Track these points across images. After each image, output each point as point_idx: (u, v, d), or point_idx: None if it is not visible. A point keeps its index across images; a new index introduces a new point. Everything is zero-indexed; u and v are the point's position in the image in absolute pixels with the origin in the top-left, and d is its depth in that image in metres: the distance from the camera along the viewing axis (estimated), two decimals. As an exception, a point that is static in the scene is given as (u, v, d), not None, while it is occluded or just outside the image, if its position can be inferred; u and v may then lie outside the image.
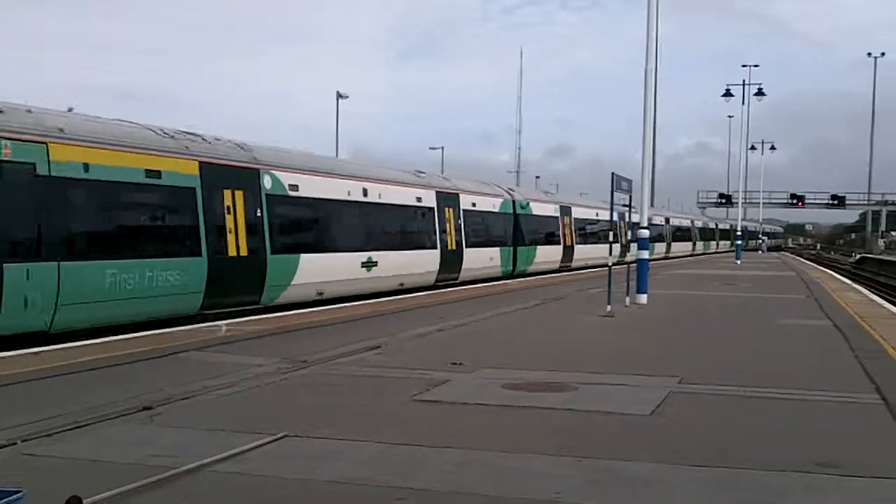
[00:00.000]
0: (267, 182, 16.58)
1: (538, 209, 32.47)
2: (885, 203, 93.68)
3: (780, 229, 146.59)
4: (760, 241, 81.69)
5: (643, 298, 18.42)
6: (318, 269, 17.75)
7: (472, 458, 5.85)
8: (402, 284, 21.55)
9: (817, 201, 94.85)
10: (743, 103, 52.99)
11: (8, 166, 11.34)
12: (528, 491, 5.13)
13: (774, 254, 77.28)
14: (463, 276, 25.36)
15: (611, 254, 17.77)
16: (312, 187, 17.93)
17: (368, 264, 19.86)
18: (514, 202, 30.38)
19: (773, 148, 75.74)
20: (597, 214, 38.25)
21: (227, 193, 15.55)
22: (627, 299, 17.85)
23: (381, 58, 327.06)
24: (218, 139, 16.42)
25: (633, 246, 40.41)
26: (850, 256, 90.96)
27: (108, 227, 13.19)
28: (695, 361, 10.47)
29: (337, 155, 36.55)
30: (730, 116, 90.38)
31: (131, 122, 14.55)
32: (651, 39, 19.31)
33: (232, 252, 15.43)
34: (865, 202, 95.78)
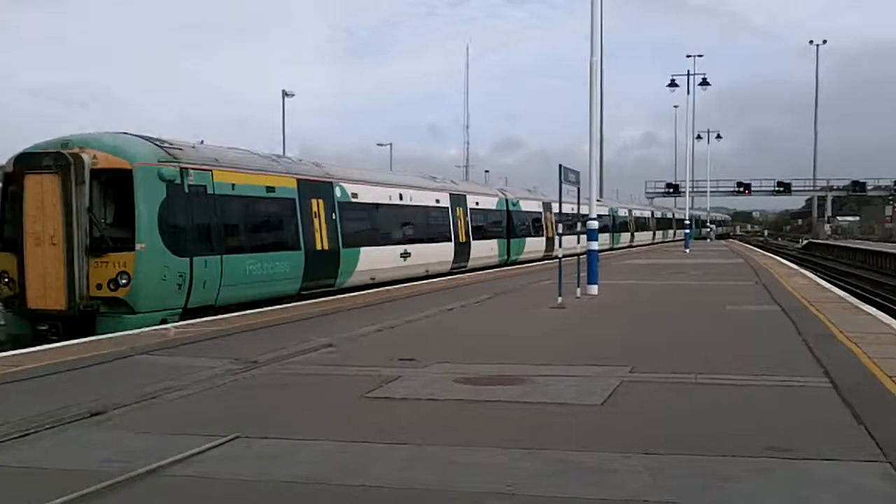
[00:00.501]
0: (338, 192, 20.99)
1: (525, 206, 36.76)
2: (830, 189, 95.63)
3: (727, 217, 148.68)
4: (708, 229, 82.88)
5: (594, 289, 18.59)
6: (372, 260, 22.13)
7: (425, 454, 5.86)
8: (427, 271, 25.73)
9: (764, 188, 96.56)
10: (688, 93, 53.80)
11: (191, 188, 15.74)
12: (481, 484, 5.16)
13: (722, 242, 78.44)
14: (471, 264, 29.55)
15: (559, 246, 18.06)
16: (367, 194, 22.55)
17: (405, 255, 24.44)
18: (507, 200, 34.63)
19: (719, 137, 76.70)
20: (644, 213, 50.12)
21: (314, 202, 19.84)
22: (578, 290, 18.00)
23: (327, 54, 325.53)
24: (300, 160, 21.29)
25: (606, 236, 47.54)
26: (797, 242, 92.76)
27: (247, 229, 17.54)
28: (645, 350, 10.59)
29: (284, 153, 38.92)
30: (675, 106, 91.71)
31: (248, 150, 18.97)
32: (595, 31, 19.44)
33: (319, 247, 19.71)
34: (811, 188, 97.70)
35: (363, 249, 21.65)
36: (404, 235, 24.63)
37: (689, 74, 53.97)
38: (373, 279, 22.18)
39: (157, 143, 15.21)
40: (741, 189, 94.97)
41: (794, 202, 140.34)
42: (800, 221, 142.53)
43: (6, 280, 15.08)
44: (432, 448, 6.01)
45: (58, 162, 14.58)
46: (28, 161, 14.89)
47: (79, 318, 14.21)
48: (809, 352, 10.20)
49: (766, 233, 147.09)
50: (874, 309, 15.92)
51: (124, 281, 13.77)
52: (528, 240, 36.34)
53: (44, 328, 14.37)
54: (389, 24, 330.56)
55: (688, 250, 45.74)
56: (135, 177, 14.73)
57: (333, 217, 20.42)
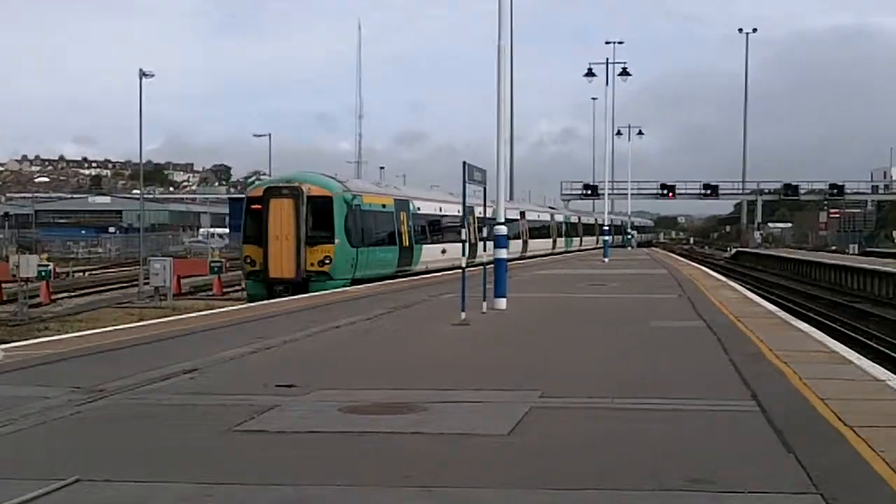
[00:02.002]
0: (412, 206, 34.78)
1: (512, 215, 48.21)
2: (761, 192, 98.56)
3: (650, 223, 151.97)
4: (629, 235, 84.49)
5: (502, 303, 18.68)
6: (428, 254, 35.82)
7: (305, 495, 5.76)
8: (453, 265, 33.42)
9: (689, 191, 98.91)
10: (607, 84, 54.66)
11: (355, 207, 28.75)
12: (368, 530, 5.08)
13: (645, 249, 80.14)
14: (478, 260, 39.64)
15: (468, 253, 18.08)
16: (425, 207, 36.71)
17: (443, 251, 36.96)
18: (522, 212, 52.81)
19: (640, 133, 78.59)
20: (538, 216, 60.20)
21: (402, 213, 33.44)
22: (484, 305, 18.07)
23: (194, 29, 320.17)
24: (388, 184, 38.20)
25: (560, 241, 62.80)
26: (726, 251, 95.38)
27: (376, 231, 29.70)
28: (558, 372, 10.67)
29: (141, 140, 49.67)
30: (594, 98, 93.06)
31: (365, 179, 36.65)
32: (504, 11, 19.59)
33: (405, 244, 33.35)
34: (740, 192, 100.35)
35: (424, 247, 35.55)
36: (444, 237, 38.14)
37: (607, 63, 54.82)
38: (427, 267, 35.10)
39: (339, 180, 26.34)
40: (665, 192, 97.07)
41: (723, 207, 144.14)
42: (728, 228, 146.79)
43: (249, 261, 27.40)
44: (313, 489, 5.91)
45: (291, 192, 27.13)
46: (271, 191, 27.57)
47: (301, 283, 25.84)
48: (736, 373, 10.43)
49: (691, 240, 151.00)
50: (806, 325, 16.43)
51: (328, 261, 22.65)
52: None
53: (280, 289, 26.04)
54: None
55: (607, 259, 46.54)
56: (334, 201, 27.38)
57: (410, 224, 34.03)
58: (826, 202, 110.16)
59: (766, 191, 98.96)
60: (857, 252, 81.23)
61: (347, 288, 27.03)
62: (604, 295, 23.39)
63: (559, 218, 70.65)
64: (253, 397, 9.00)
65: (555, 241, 66.24)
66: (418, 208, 35.59)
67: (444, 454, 6.83)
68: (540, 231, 61.42)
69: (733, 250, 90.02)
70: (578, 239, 74.19)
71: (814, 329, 15.72)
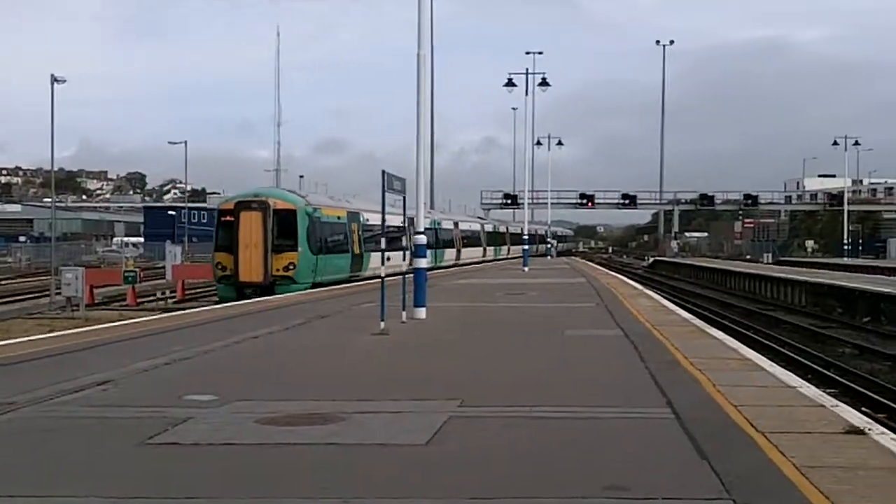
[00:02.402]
0: (362, 218, 37.42)
1: (447, 225, 58.09)
2: (678, 202, 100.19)
3: (570, 232, 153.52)
4: (549, 245, 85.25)
5: (421, 313, 18.69)
6: (375, 260, 36.15)
7: (219, 508, 5.70)
8: (396, 271, 33.44)
9: (608, 201, 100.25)
10: (527, 94, 55.10)
11: (315, 219, 31.92)
12: (284, 542, 5.04)
13: (564, 259, 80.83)
14: (460, 261, 55.00)
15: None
16: (373, 219, 36.77)
17: (388, 259, 36.89)
18: (456, 222, 60.30)
19: (560, 143, 79.19)
20: (470, 226, 65.55)
21: (353, 224, 36.59)
22: (404, 314, 18.06)
23: (111, 34, 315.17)
24: (340, 198, 38.92)
25: (508, 249, 74.19)
26: (643, 260, 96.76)
27: (332, 241, 31.79)
28: (477, 381, 10.71)
29: (53, 147, 52.14)
30: (514, 108, 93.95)
31: (323, 195, 37.33)
32: (424, 20, 19.63)
33: (356, 252, 36.53)
34: (657, 201, 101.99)
35: (372, 254, 37.33)
36: (388, 246, 35.57)
37: (527, 73, 55.29)
38: (375, 273, 33.92)
39: (300, 194, 27.95)
40: (584, 201, 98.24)
41: (641, 216, 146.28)
42: (646, 237, 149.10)
43: (220, 267, 30.15)
44: (228, 501, 5.85)
45: (260, 205, 30.13)
46: (241, 205, 30.56)
47: (268, 286, 27.91)
48: (652, 380, 10.59)
49: (610, 249, 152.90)
50: (721, 333, 16.75)
51: (292, 267, 22.84)
52: (448, 250, 56.54)
53: (249, 291, 28.41)
54: (192, 1, 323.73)
55: (526, 268, 46.87)
56: (297, 214, 30.29)
57: (361, 234, 37.32)
58: (741, 212, 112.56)
59: (683, 201, 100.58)
60: (770, 261, 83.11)
61: (268, 298, 26.97)
62: (523, 304, 23.56)
63: (489, 228, 73.77)
64: (167, 409, 8.87)
65: (485, 250, 69.20)
66: (367, 219, 38.52)
67: (361, 465, 6.82)
68: (472, 240, 64.11)
69: (651, 259, 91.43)
70: (506, 247, 76.42)
71: (728, 337, 16.03)
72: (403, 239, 39.13)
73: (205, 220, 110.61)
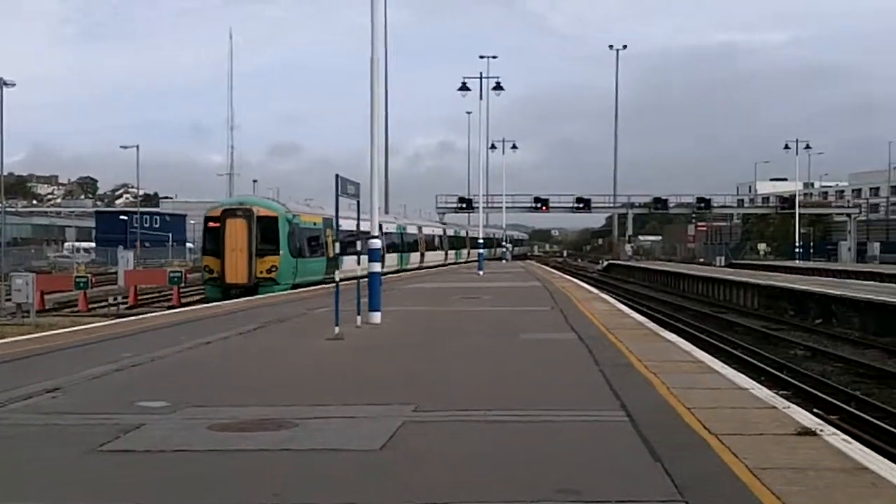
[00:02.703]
0: (335, 224, 39.15)
1: (412, 230, 61.01)
2: (632, 206, 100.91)
3: (525, 235, 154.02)
4: (504, 249, 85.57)
5: (376, 317, 18.67)
6: (349, 263, 32.75)
7: (170, 516, 5.64)
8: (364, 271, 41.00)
9: (562, 204, 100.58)
10: (481, 98, 55.27)
11: (294, 224, 34.93)
12: (236, 550, 5.01)
13: (519, 263, 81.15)
14: (424, 264, 58.01)
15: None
16: (346, 224, 36.59)
17: (359, 262, 42.46)
18: (420, 227, 63.79)
19: (514, 147, 79.16)
20: (433, 231, 68.25)
21: (328, 230, 37.86)
22: (359, 319, 18.02)
23: (60, 37, 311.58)
24: (317, 204, 40.46)
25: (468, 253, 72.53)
26: (598, 263, 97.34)
27: (310, 245, 34.37)
28: (432, 385, 10.72)
29: (1, 151, 52.63)
30: (468, 112, 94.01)
31: (301, 202, 40.32)
32: (377, 24, 19.64)
33: (330, 255, 36.91)
34: (611, 205, 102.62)
35: (344, 258, 39.34)
36: (358, 248, 47.93)
37: (481, 77, 55.44)
38: (346, 274, 40.98)
39: (281, 202, 29.30)
40: (539, 205, 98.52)
41: (596, 220, 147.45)
42: (601, 241, 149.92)
43: (208, 270, 32.87)
44: (179, 509, 5.81)
45: (244, 213, 32.22)
46: (228, 212, 33.01)
47: (252, 287, 29.31)
48: (607, 384, 10.65)
49: (565, 253, 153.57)
50: (674, 335, 16.87)
51: (274, 269, 22.99)
52: (412, 254, 59.17)
53: (234, 292, 29.76)
54: (141, 3, 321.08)
55: (481, 272, 46.95)
56: (279, 220, 32.26)
57: (333, 239, 35.72)
58: (694, 215, 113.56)
59: (637, 204, 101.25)
60: (723, 264, 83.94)
61: (221, 303, 26.89)
62: (478, 308, 23.60)
63: (450, 232, 76.54)
64: (119, 416, 8.78)
65: (446, 254, 71.89)
66: (342, 226, 40.37)
67: (315, 471, 6.79)
68: (434, 244, 67.25)
69: (605, 262, 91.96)
70: (466, 251, 78.49)
71: (681, 339, 16.16)
72: (422, 244, 50.85)
73: (157, 225, 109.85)
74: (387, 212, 64.89)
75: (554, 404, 9.33)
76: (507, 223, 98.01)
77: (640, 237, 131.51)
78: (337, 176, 17.42)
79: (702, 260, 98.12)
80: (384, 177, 74.51)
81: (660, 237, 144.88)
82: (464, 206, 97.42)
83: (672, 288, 55.46)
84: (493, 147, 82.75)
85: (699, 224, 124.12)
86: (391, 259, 51.71)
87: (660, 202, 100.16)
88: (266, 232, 33.32)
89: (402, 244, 56.65)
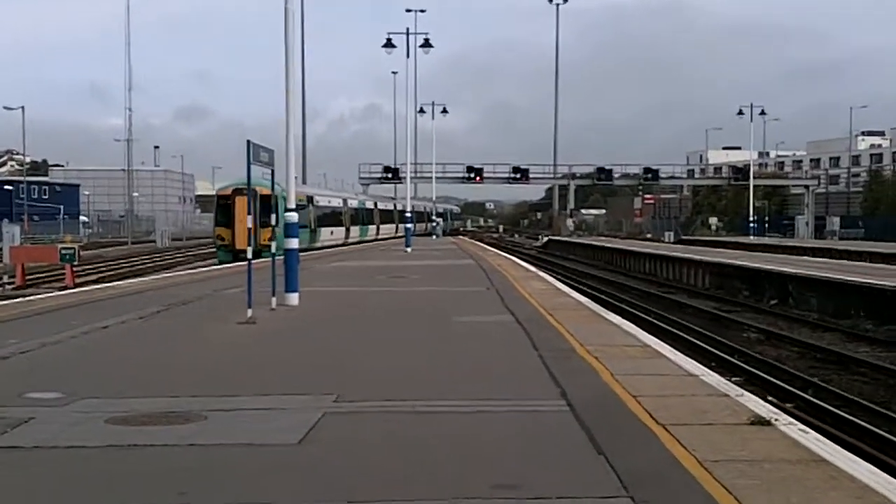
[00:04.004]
0: (316, 201, 56.06)
1: (369, 205, 74.65)
2: (573, 176, 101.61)
3: (457, 209, 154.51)
4: (434, 223, 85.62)
5: (293, 298, 18.61)
6: (326, 234, 57.07)
7: (63, 520, 5.58)
8: (336, 244, 58.03)
9: (498, 175, 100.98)
10: (408, 56, 55.08)
11: (306, 203, 53.37)
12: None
13: (451, 238, 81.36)
14: (351, 240, 65.33)
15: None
16: (321, 201, 57.64)
17: (332, 233, 59.00)
18: (376, 202, 78.39)
19: (444, 111, 79.59)
20: (363, 204, 73.89)
21: (310, 206, 53.40)
22: (274, 301, 17.94)
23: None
24: (300, 184, 56.83)
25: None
26: (536, 239, 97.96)
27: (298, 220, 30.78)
28: (356, 373, 10.72)
29: None
30: (394, 73, 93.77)
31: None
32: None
33: (312, 228, 53.55)
34: (551, 175, 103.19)
35: (323, 229, 55.45)
36: (338, 221, 60.04)
37: (408, 33, 55.24)
38: (322, 244, 54.25)
39: (277, 183, 27.54)
40: (472, 175, 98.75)
41: (534, 192, 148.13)
42: (539, 215, 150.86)
43: (220, 238, 46.08)
44: (73, 511, 5.75)
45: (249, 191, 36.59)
46: (237, 191, 44.57)
47: (256, 253, 27.25)
48: (546, 370, 10.74)
49: (501, 228, 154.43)
50: (618, 317, 17.08)
51: (272, 239, 23.63)
52: (371, 226, 73.54)
53: (242, 256, 28.96)
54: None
55: (409, 249, 47.00)
56: (276, 199, 30.88)
57: (315, 213, 53.71)
58: (640, 187, 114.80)
59: (579, 175, 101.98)
60: (672, 240, 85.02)
61: (121, 284, 26.58)
62: (405, 288, 23.63)
63: (381, 206, 79.49)
64: (6, 409, 8.63)
65: (378, 228, 74.74)
66: (318, 202, 56.96)
67: (225, 468, 6.76)
68: (362, 218, 70.83)
69: (545, 239, 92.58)
70: (394, 226, 79.64)
71: (626, 322, 16.35)
72: (342, 218, 61.87)
73: (46, 196, 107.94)
74: (304, 182, 65.44)
75: (488, 393, 9.39)
76: (438, 195, 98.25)
77: (583, 211, 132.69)
78: (248, 142, 17.29)
79: (649, 236, 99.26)
80: (302, 143, 74.23)
81: (604, 211, 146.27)
82: (390, 176, 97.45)
83: (617, 266, 56.08)
84: (421, 111, 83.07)
85: (646, 197, 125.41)
86: (326, 233, 58.69)
87: (603, 172, 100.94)
88: (266, 208, 42.97)
89: (327, 217, 59.90)
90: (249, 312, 16.09)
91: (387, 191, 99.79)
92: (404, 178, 65.19)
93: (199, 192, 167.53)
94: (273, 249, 38.17)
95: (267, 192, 44.76)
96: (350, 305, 19.24)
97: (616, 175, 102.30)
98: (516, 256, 48.31)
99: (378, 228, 76.52)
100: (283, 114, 20.48)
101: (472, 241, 76.64)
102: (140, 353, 12.59)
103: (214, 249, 51.44)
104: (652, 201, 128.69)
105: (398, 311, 17.94)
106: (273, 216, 31.67)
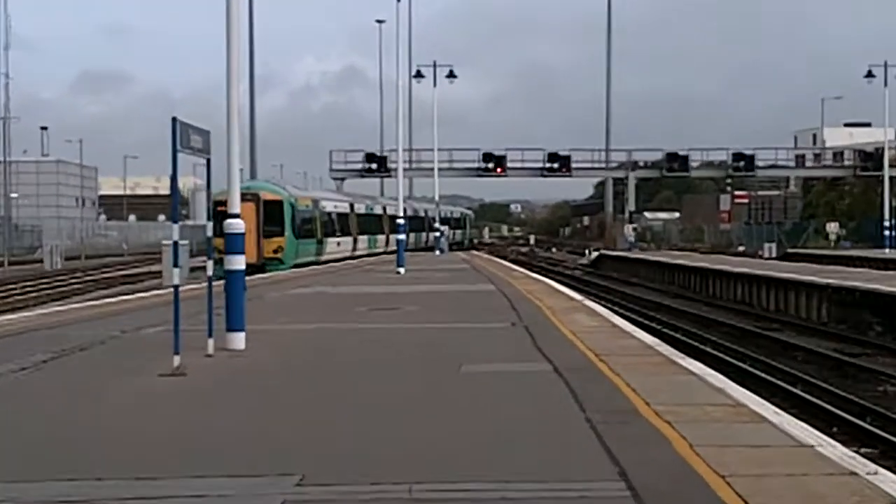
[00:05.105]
0: (321, 206, 71.01)
1: (377, 210, 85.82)
2: (634, 166, 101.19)
3: (469, 212, 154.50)
4: (438, 234, 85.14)
5: (238, 340, 18.52)
6: (330, 246, 70.38)
7: None
8: (343, 256, 71.32)
9: (527, 165, 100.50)
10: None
11: (295, 207, 62.18)
12: None
13: (462, 254, 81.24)
14: (358, 253, 77.34)
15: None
16: (332, 207, 73.70)
17: (338, 244, 72.78)
18: (384, 207, 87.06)
19: (451, 75, 79.25)
20: (370, 209, 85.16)
21: (316, 212, 68.51)
22: (211, 343, 17.87)
23: None
24: (305, 187, 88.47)
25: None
26: (583, 255, 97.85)
27: (305, 226, 63.47)
28: (325, 447, 10.71)
29: None
30: (379, 21, 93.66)
31: (292, 184, 75.75)
32: None
33: (319, 237, 68.18)
34: (602, 164, 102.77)
35: (329, 239, 68.57)
36: (345, 231, 72.40)
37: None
38: (329, 258, 65.71)
39: (283, 187, 54.80)
40: (490, 166, 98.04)
41: (579, 188, 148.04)
42: (586, 220, 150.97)
43: (219, 251, 36.40)
44: None
45: (252, 197, 52.66)
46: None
47: (259, 266, 45.63)
48: (597, 438, 10.71)
49: (532, 239, 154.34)
50: (700, 365, 17.01)
51: (280, 250, 42.22)
52: (380, 237, 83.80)
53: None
54: None
55: (402, 270, 46.87)
56: (284, 204, 58.04)
57: (321, 219, 67.46)
58: (729, 181, 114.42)
59: (642, 164, 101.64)
60: (775, 254, 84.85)
61: None
62: (395, 324, 23.56)
63: (391, 211, 78.52)
64: None
65: (388, 238, 78.75)
66: (324, 207, 67.21)
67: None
68: (371, 226, 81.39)
69: (594, 254, 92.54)
70: (384, 237, 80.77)
71: (710, 371, 16.29)
72: (348, 227, 74.50)
73: None
74: (252, 176, 66.55)
75: (515, 472, 9.34)
76: (445, 194, 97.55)
77: (647, 215, 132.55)
78: (174, 120, 17.21)
79: (742, 248, 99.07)
80: (250, 121, 74.27)
81: (677, 214, 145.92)
82: (374, 167, 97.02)
83: (696, 292, 56.05)
84: (418, 75, 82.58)
85: (737, 194, 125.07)
86: (332, 245, 70.00)
87: (676, 161, 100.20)
88: (271, 215, 53.76)
89: (332, 225, 71.16)
90: (177, 361, 16.06)
91: (369, 187, 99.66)
92: (394, 169, 65.13)
93: (105, 192, 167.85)
94: (285, 260, 42.70)
95: (273, 196, 55.22)
96: (317, 350, 19.18)
97: (694, 164, 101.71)
98: (554, 279, 48.26)
99: (388, 238, 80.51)
100: (224, 81, 20.42)
101: (491, 256, 76.59)
102: (21, 421, 12.56)
103: (160, 270, 57.65)
104: (745, 200, 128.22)
105: (385, 359, 17.84)
106: (288, 223, 34.30)
